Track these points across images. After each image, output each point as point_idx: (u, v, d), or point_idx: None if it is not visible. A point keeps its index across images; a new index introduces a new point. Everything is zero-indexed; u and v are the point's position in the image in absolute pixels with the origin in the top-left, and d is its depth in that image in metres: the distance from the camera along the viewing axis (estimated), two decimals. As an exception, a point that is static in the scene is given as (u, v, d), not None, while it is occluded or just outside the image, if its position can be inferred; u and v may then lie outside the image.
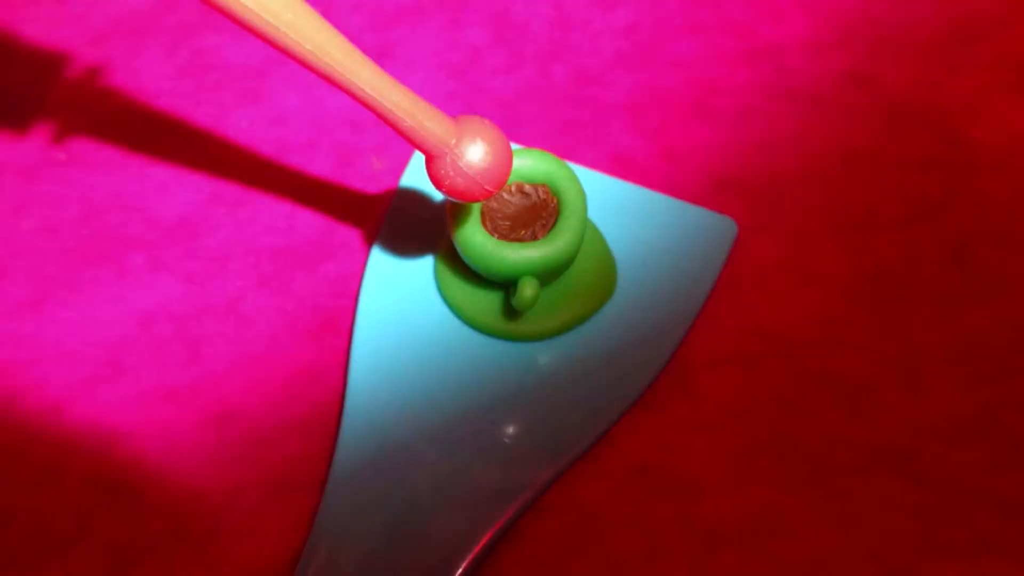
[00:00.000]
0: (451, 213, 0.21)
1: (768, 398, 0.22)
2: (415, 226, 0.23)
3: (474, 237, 0.20)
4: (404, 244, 0.23)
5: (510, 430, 0.21)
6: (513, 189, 0.21)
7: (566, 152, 0.25)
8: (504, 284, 0.22)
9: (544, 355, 0.22)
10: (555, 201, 0.21)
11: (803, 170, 0.25)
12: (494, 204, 0.21)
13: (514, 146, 0.23)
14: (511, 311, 0.22)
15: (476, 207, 0.21)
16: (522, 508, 0.20)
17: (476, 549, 0.19)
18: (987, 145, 0.24)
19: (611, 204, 0.24)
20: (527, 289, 0.20)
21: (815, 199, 0.24)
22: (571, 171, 0.21)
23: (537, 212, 0.21)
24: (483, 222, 0.21)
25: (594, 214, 0.23)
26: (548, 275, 0.21)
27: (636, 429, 0.21)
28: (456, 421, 0.21)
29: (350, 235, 0.24)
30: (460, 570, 0.19)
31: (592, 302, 0.22)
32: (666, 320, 0.22)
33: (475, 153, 0.18)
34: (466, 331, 0.22)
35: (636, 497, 0.21)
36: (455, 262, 0.22)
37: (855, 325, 0.22)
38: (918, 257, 0.23)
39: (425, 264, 0.23)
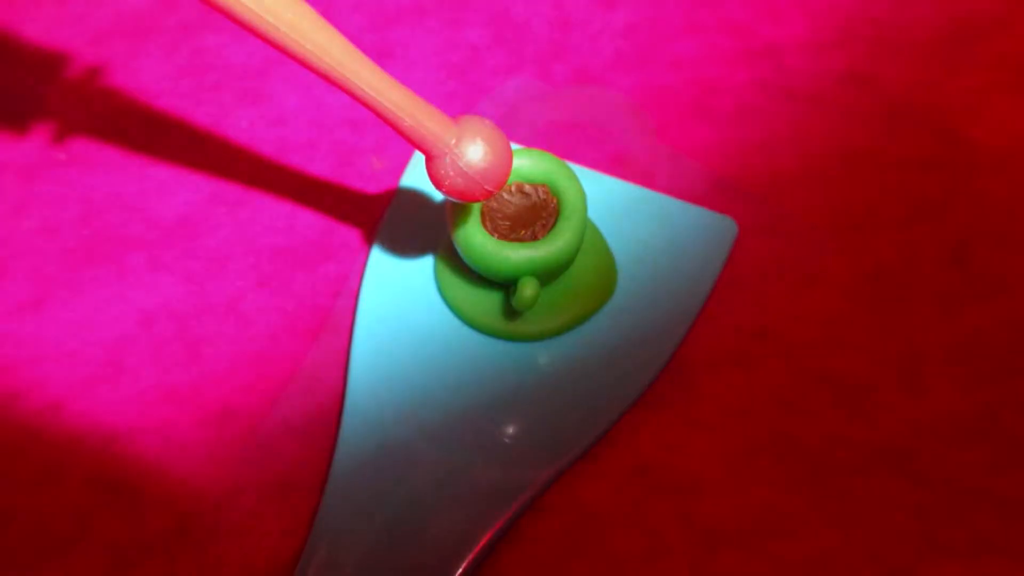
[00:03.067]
0: (451, 213, 0.21)
1: (768, 398, 0.22)
2: (415, 226, 0.23)
3: (474, 237, 0.20)
4: (404, 244, 0.23)
5: (510, 430, 0.21)
6: (513, 189, 0.21)
7: (566, 152, 0.25)
8: (504, 284, 0.22)
9: (544, 355, 0.22)
10: (555, 201, 0.21)
11: (803, 170, 0.25)
12: (494, 204, 0.21)
13: (514, 146, 0.23)
14: (511, 311, 0.22)
15: (476, 207, 0.21)
16: (522, 508, 0.20)
17: (476, 548, 0.19)
18: (987, 145, 0.24)
19: (611, 204, 0.24)
20: (527, 289, 0.20)
21: (815, 199, 0.24)
22: (571, 171, 0.21)
23: (537, 212, 0.21)
24: (483, 222, 0.21)
25: (594, 214, 0.23)
26: (548, 275, 0.21)
27: (636, 429, 0.21)
28: (456, 420, 0.21)
29: (350, 235, 0.24)
30: (460, 570, 0.19)
31: (592, 302, 0.22)
32: (666, 320, 0.22)
33: (475, 153, 0.18)
34: (466, 331, 0.22)
35: (636, 497, 0.21)
36: (455, 262, 0.22)
37: (855, 325, 0.22)
38: (918, 257, 0.23)
39: (425, 264, 0.23)
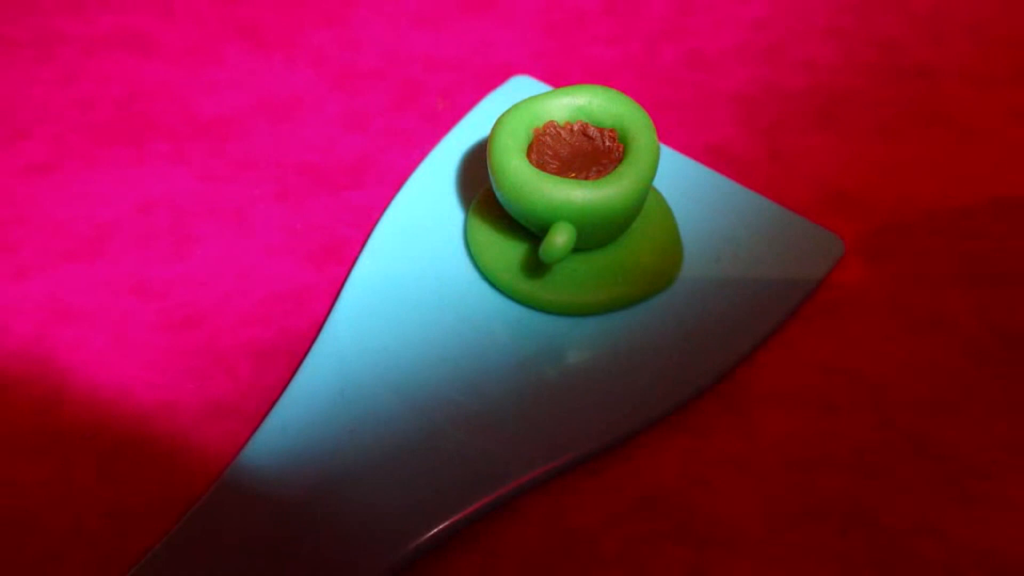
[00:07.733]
0: (495, 135, 0.17)
1: (843, 455, 0.17)
2: (458, 172, 0.20)
3: (510, 162, 0.17)
4: (442, 187, 0.20)
5: (500, 411, 0.16)
6: (575, 128, 0.18)
7: (659, 132, 0.21)
8: (538, 235, 0.18)
9: (570, 335, 0.18)
10: (621, 149, 0.17)
11: (941, 202, 0.20)
12: (548, 139, 0.18)
13: (586, 83, 0.19)
14: (538, 265, 0.18)
15: (525, 135, 0.17)
16: (487, 508, 0.15)
17: (419, 539, 0.15)
18: None
19: (694, 192, 0.20)
20: (558, 236, 0.16)
21: (951, 237, 0.19)
22: (649, 120, 0.17)
23: (596, 159, 0.17)
24: (528, 153, 0.17)
25: (672, 198, 0.19)
26: (591, 230, 0.17)
27: (657, 451, 0.17)
28: (441, 382, 0.17)
29: (388, 168, 0.21)
30: (393, 556, 0.15)
31: (641, 287, 0.18)
32: (730, 331, 0.17)
33: None
34: (486, 290, 0.18)
35: (633, 533, 0.16)
36: (490, 212, 0.19)
37: (976, 392, 0.17)
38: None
39: (457, 214, 0.19)
